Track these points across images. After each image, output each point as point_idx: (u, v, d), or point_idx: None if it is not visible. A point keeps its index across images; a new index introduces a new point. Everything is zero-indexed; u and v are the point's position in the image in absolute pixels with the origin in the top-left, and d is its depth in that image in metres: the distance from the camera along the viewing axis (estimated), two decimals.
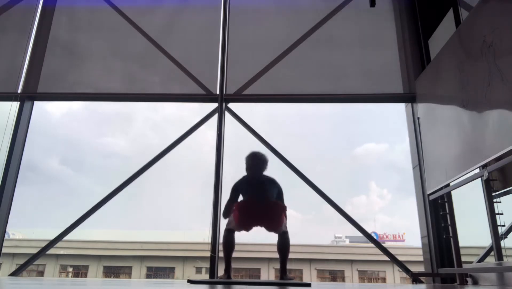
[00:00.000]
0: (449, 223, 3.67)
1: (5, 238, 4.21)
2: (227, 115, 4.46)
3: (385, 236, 18.65)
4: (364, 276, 15.77)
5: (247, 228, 3.14)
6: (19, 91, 4.54)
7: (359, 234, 4.26)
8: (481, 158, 2.76)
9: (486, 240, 3.20)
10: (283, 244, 3.06)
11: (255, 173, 3.27)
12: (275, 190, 3.21)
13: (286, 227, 3.14)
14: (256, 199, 3.14)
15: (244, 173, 3.33)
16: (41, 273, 15.35)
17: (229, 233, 3.10)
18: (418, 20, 4.57)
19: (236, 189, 3.24)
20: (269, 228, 3.13)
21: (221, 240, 3.20)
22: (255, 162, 3.31)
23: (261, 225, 3.11)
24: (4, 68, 4.67)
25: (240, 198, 3.24)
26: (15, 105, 4.47)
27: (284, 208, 3.18)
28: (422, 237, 4.07)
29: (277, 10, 4.92)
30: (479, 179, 3.09)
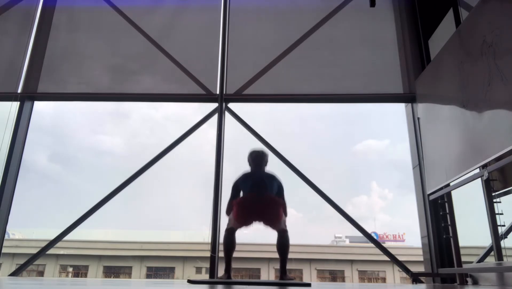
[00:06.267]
0: (449, 223, 3.67)
1: (5, 238, 4.22)
2: (227, 115, 4.47)
3: (385, 236, 18.65)
4: (364, 276, 15.77)
5: (246, 224, 3.12)
6: (19, 91, 4.54)
7: (359, 234, 4.26)
8: (481, 158, 2.76)
9: (486, 240, 3.20)
10: (283, 244, 3.03)
11: (255, 169, 3.31)
12: (275, 185, 3.22)
13: (285, 225, 3.12)
14: (254, 194, 3.14)
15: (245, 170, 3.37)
16: (41, 273, 15.35)
17: (230, 233, 3.09)
18: (418, 20, 4.57)
19: (236, 186, 3.26)
20: (267, 223, 3.11)
21: (221, 240, 3.19)
22: (254, 158, 3.34)
23: (259, 220, 3.10)
24: (4, 68, 4.67)
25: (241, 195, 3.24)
26: (15, 105, 4.47)
27: (282, 204, 3.17)
28: (422, 237, 4.07)
29: (277, 10, 4.92)
30: (479, 179, 3.09)
